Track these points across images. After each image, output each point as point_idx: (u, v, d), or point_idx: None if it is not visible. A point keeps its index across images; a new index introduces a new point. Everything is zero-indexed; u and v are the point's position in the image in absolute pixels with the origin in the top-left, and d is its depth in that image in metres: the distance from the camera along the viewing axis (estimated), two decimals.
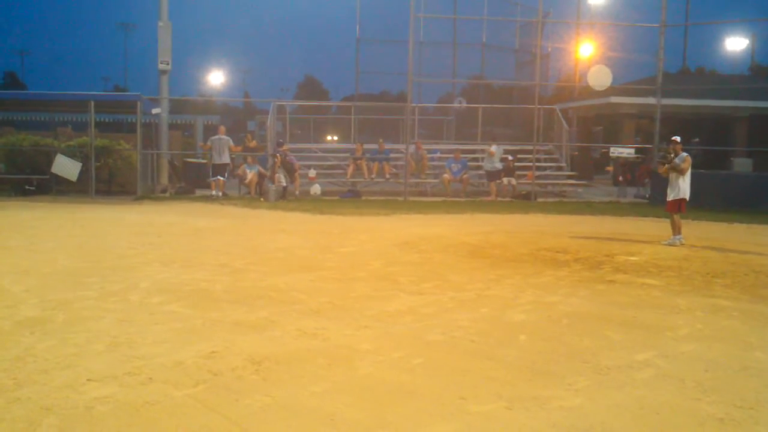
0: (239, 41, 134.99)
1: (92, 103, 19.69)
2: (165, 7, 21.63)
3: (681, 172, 12.58)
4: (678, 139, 12.86)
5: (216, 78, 60.08)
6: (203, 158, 23.27)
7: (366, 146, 23.37)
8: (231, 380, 4.95)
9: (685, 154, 12.66)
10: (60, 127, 22.86)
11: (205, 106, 42.50)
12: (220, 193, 19.89)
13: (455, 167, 22.41)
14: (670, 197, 12.65)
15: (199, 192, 20.69)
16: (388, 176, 22.55)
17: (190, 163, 23.80)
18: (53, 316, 6.55)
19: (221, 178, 20.16)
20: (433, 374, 5.19)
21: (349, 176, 22.56)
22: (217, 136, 20.80)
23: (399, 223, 15.04)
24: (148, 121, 22.66)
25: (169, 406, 4.45)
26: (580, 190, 24.41)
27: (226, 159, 20.61)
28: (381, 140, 23.48)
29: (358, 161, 22.50)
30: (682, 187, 12.56)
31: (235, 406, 4.49)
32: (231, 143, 20.87)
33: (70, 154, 19.82)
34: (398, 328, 6.44)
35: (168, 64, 21.50)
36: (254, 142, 23.36)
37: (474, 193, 22.52)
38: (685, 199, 12.58)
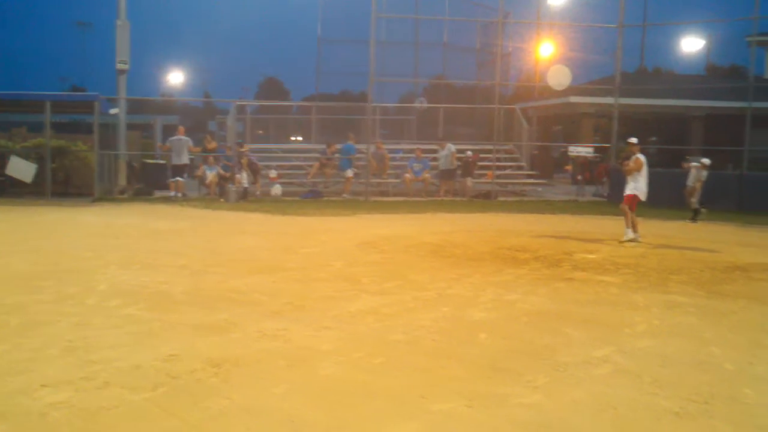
0: (200, 41, 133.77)
1: (48, 103, 19.32)
2: (123, 5, 21.32)
3: (627, 172, 12.82)
4: (633, 140, 13.04)
5: (176, 78, 59.42)
6: (162, 159, 23.00)
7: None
8: (190, 383, 4.90)
9: (637, 155, 12.83)
10: (15, 128, 22.42)
11: (165, 106, 42.08)
12: (180, 194, 19.68)
13: (417, 167, 22.46)
14: (625, 192, 12.90)
15: (158, 193, 20.43)
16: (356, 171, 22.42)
17: (149, 164, 23.51)
18: (7, 321, 6.42)
19: (180, 179, 19.94)
20: (394, 374, 5.20)
21: (311, 176, 22.47)
22: (176, 137, 20.55)
23: (360, 224, 15.03)
24: (105, 121, 22.31)
25: (126, 410, 4.39)
26: (539, 189, 24.62)
27: (185, 160, 20.38)
28: (351, 134, 23.38)
29: (328, 161, 22.40)
30: (633, 184, 12.76)
31: (194, 409, 4.44)
32: (190, 144, 20.63)
33: (25, 155, 19.44)
34: (360, 329, 6.43)
35: (126, 63, 21.21)
36: (214, 143, 23.15)
37: (435, 193, 22.57)
38: (637, 196, 12.75)
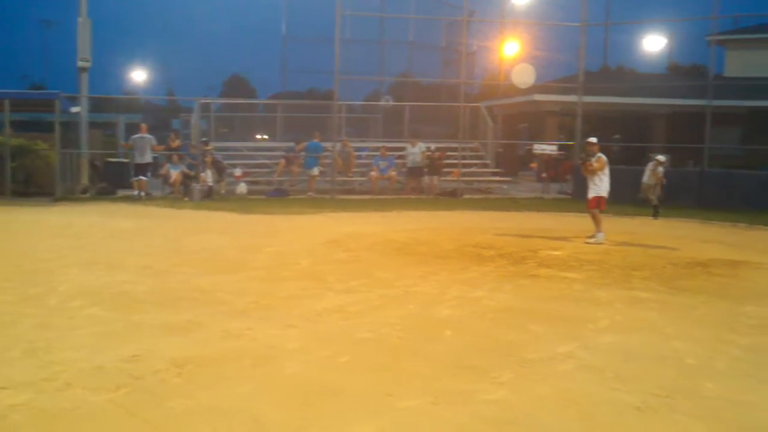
0: (163, 38, 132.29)
1: (8, 101, 19.00)
2: (84, 3, 20.99)
3: (591, 172, 12.88)
4: (593, 140, 13.14)
5: (139, 76, 58.75)
6: (125, 158, 22.71)
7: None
8: (153, 384, 4.85)
9: (599, 154, 12.93)
10: None
11: (128, 104, 41.58)
12: (143, 193, 19.45)
13: (382, 165, 22.47)
14: (589, 195, 12.94)
15: (121, 192, 20.19)
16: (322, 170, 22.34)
17: (112, 162, 23.19)
18: None
19: (144, 178, 19.67)
20: (360, 372, 5.20)
21: (277, 175, 22.37)
22: (138, 135, 20.26)
23: (326, 222, 15.00)
24: (67, 120, 21.98)
25: (88, 412, 4.34)
26: (505, 186, 24.76)
27: (148, 158, 20.06)
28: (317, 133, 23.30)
29: (295, 159, 22.30)
30: (599, 185, 12.85)
31: (157, 410, 4.40)
32: (153, 142, 20.35)
33: None
34: (325, 327, 6.42)
35: (88, 61, 20.90)
36: (178, 141, 22.91)
37: (402, 191, 22.59)
38: (603, 197, 12.84)
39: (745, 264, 10.43)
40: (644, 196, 17.48)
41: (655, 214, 16.88)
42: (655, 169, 17.33)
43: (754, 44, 33.57)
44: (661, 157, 17.74)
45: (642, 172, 17.81)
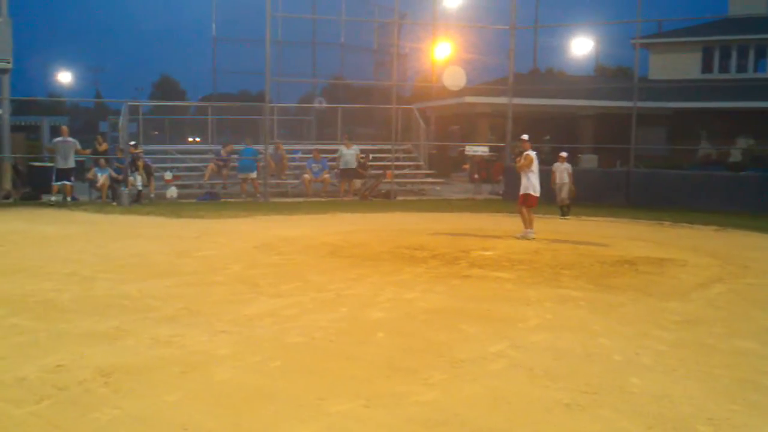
0: (91, 39, 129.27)
1: None
2: (4, 2, 20.38)
3: (518, 169, 13.17)
4: (525, 137, 13.38)
5: (64, 77, 57.22)
6: (50, 162, 22.03)
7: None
8: (78, 394, 4.71)
9: (527, 152, 13.15)
10: None
11: (53, 106, 40.45)
12: (69, 198, 18.84)
13: (315, 167, 22.37)
14: (520, 192, 13.21)
15: (45, 197, 19.58)
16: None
17: (36, 167, 22.46)
18: None
19: (68, 183, 18.94)
20: (292, 376, 5.15)
21: (207, 178, 22.06)
22: (60, 138, 19.29)
23: (259, 225, 14.85)
24: None
25: (9, 425, 4.19)
26: (438, 188, 24.94)
27: (71, 163, 19.15)
28: (248, 139, 23.09)
29: (224, 163, 22.03)
30: (525, 183, 13.08)
31: (82, 421, 4.28)
32: (77, 146, 19.55)
33: None
34: (257, 332, 6.35)
35: (9, 62, 20.25)
36: (105, 144, 22.39)
37: (335, 193, 22.55)
38: (530, 195, 13.06)
39: (671, 261, 10.71)
40: (563, 196, 17.37)
41: (565, 213, 17.00)
42: (560, 167, 17.36)
43: (677, 47, 34.61)
44: (563, 154, 17.77)
45: (575, 174, 17.90)
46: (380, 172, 23.04)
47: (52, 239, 12.30)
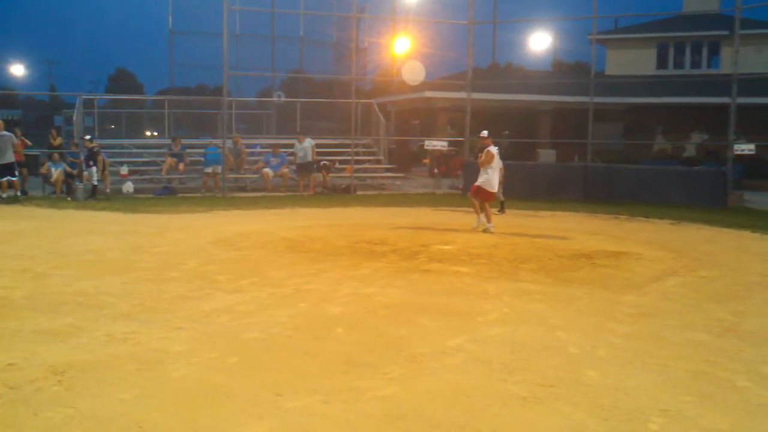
0: (45, 31, 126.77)
1: None
2: None
3: (479, 165, 13.29)
4: (484, 134, 13.46)
5: (17, 70, 56.07)
6: None
7: (186, 141, 22.84)
8: (30, 393, 4.62)
9: (487, 148, 13.24)
10: None
11: (5, 99, 39.60)
12: (18, 193, 18.35)
13: (274, 162, 22.24)
14: (475, 183, 13.33)
15: None
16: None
17: None
18: None
19: (14, 179, 18.39)
20: (249, 373, 5.11)
21: (164, 172, 21.80)
22: None
23: (217, 220, 14.72)
24: None
25: None
26: (398, 182, 24.96)
27: (9, 158, 18.31)
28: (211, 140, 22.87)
29: (177, 156, 21.79)
30: (484, 177, 13.17)
31: (34, 420, 4.20)
32: (14, 140, 18.72)
33: None
34: (214, 328, 6.29)
35: None
36: (60, 138, 21.98)
37: (294, 188, 22.44)
38: (483, 189, 13.12)
39: (626, 255, 10.85)
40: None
41: (502, 209, 16.92)
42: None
43: (632, 43, 35.07)
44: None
45: (534, 167, 17.87)
46: (325, 163, 22.86)
47: (3, 235, 12.04)
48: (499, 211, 16.51)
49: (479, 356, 5.56)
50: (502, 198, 16.83)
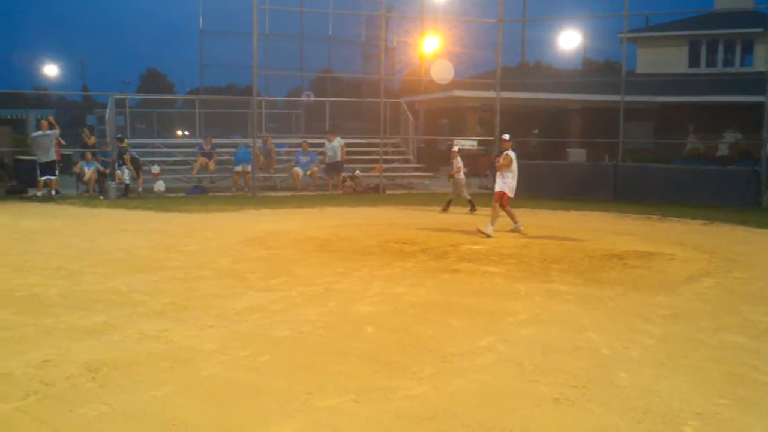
0: (77, 31, 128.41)
1: None
2: None
3: (497, 168, 13.12)
4: (506, 137, 13.31)
5: (50, 70, 56.83)
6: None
7: (216, 140, 22.99)
8: (65, 390, 4.69)
9: (506, 152, 13.08)
10: None
11: (39, 99, 40.17)
12: (54, 192, 18.64)
13: (304, 160, 22.30)
14: (496, 189, 13.12)
15: (32, 191, 19.43)
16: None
17: (22, 161, 22.29)
18: None
19: (53, 177, 18.71)
20: (280, 371, 5.13)
21: (195, 172, 21.97)
22: (40, 132, 19.05)
23: (247, 219, 14.80)
24: None
25: None
26: (426, 181, 24.91)
27: (52, 156, 18.87)
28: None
29: (208, 155, 21.94)
30: (500, 181, 13.00)
31: (69, 416, 4.25)
32: (57, 136, 19.23)
33: None
34: (245, 326, 6.32)
35: None
36: (93, 138, 22.23)
37: (323, 187, 22.49)
38: (503, 193, 12.93)
39: (659, 255, 10.73)
40: (461, 193, 16.85)
41: (473, 209, 16.63)
42: (456, 160, 16.71)
43: (664, 42, 34.71)
44: (456, 148, 17.35)
45: (565, 167, 17.55)
46: (356, 173, 22.86)
47: (38, 233, 12.22)
48: (470, 211, 16.40)
49: (510, 357, 5.54)
50: (470, 197, 16.66)
